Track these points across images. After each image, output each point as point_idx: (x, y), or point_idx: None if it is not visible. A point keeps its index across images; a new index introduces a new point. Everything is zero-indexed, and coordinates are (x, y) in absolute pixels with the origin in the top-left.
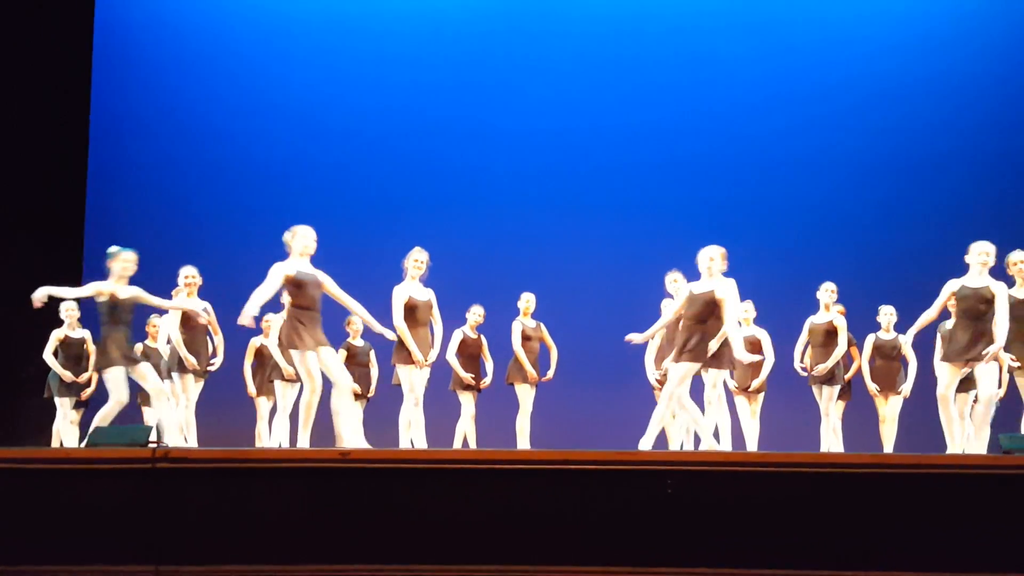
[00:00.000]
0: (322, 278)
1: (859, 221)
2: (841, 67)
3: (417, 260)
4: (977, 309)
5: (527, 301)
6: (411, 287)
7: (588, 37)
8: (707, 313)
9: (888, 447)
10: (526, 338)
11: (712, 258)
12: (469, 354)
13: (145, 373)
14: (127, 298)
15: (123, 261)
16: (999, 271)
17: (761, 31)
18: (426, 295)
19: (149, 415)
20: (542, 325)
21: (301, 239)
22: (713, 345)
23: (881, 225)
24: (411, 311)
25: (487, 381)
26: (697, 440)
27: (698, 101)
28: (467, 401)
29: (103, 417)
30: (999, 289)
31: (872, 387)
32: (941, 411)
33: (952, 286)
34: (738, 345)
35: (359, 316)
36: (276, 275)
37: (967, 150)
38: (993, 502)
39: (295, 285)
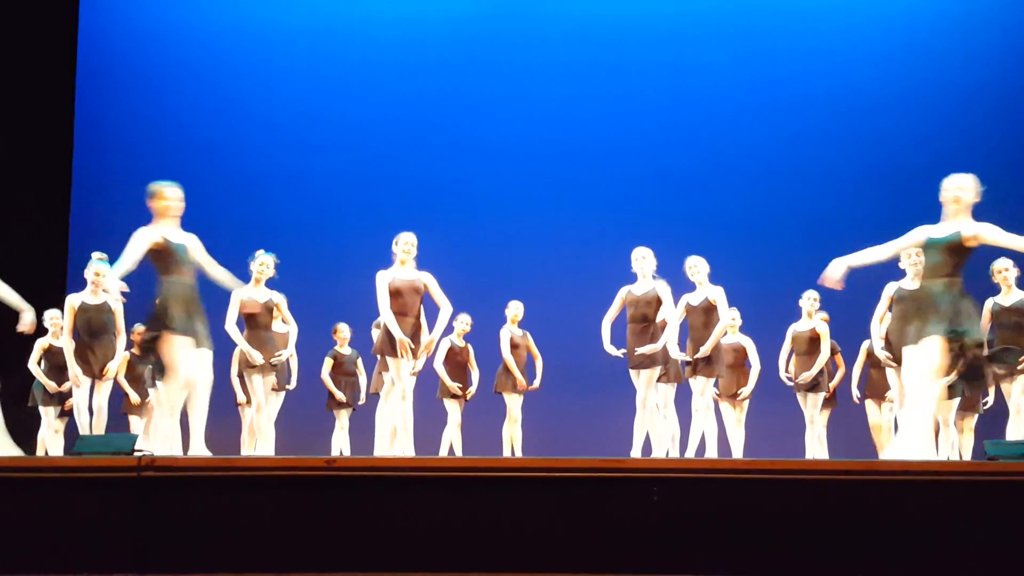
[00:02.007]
0: (426, 280)
1: (844, 230)
2: (826, 78)
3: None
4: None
5: (515, 309)
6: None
7: (574, 47)
8: (709, 321)
9: (883, 454)
10: (514, 346)
11: (693, 266)
12: (456, 363)
13: None
14: None
15: None
16: (982, 278)
17: (746, 42)
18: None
19: (136, 424)
20: (528, 334)
21: (399, 245)
22: (704, 350)
23: (865, 234)
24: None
25: (472, 391)
26: (683, 448)
27: (684, 111)
28: (453, 409)
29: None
30: None
31: (856, 394)
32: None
33: (890, 289)
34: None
35: (443, 322)
36: (381, 283)
37: (951, 160)
38: (979, 508)
39: (392, 293)
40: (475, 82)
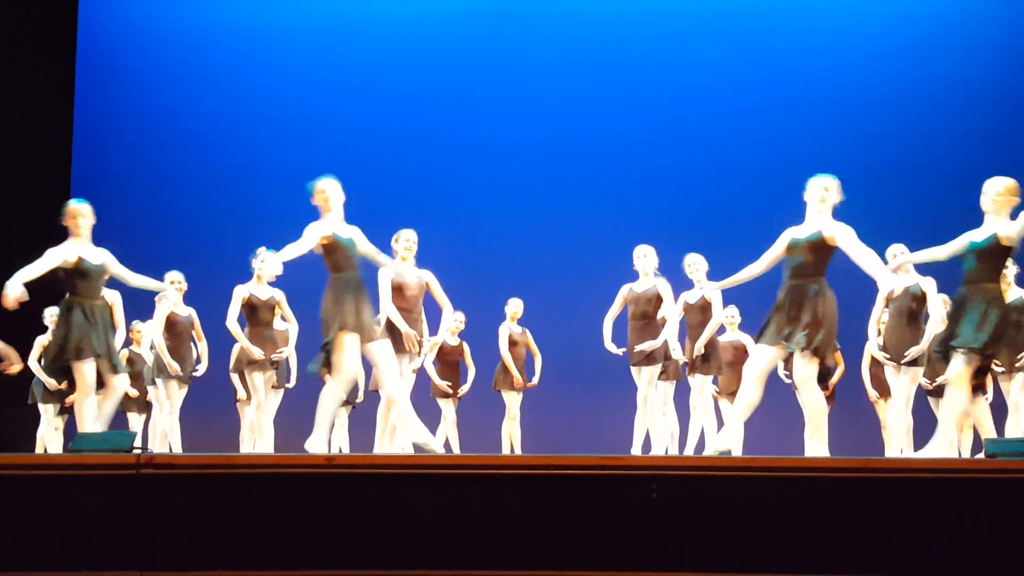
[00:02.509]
0: (428, 278)
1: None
2: (827, 75)
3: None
4: (909, 307)
5: (514, 306)
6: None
7: (573, 44)
8: (706, 319)
9: (890, 451)
10: (512, 343)
11: (691, 264)
12: (449, 361)
13: None
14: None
15: None
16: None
17: (747, 40)
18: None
19: (134, 421)
20: (527, 331)
21: (400, 242)
22: (698, 347)
23: (863, 231)
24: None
25: (465, 389)
26: (682, 445)
27: (685, 109)
28: (447, 408)
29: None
30: (929, 286)
31: (872, 394)
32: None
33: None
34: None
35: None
36: (384, 279)
37: (951, 158)
38: (979, 506)
39: (396, 288)
40: (473, 79)
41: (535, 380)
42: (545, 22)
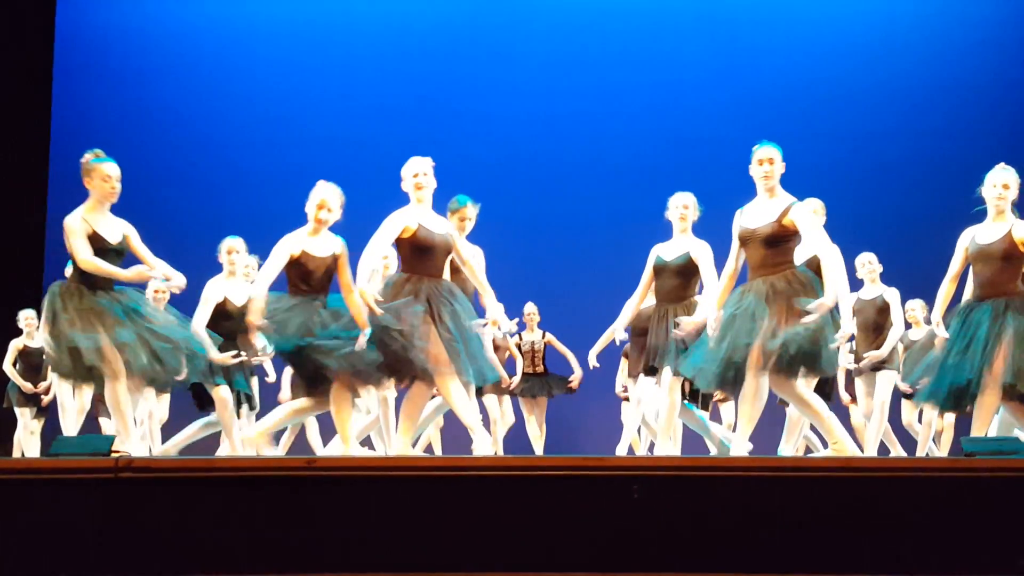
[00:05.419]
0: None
1: (833, 224)
2: (809, 69)
3: None
4: (873, 319)
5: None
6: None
7: (569, 41)
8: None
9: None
10: (495, 347)
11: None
12: None
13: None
14: None
15: None
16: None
17: (743, 36)
18: None
19: (106, 425)
20: (507, 336)
21: None
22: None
23: (847, 231)
24: None
25: None
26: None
27: (683, 108)
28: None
29: None
30: (892, 296)
31: (844, 397)
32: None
33: (851, 298)
34: None
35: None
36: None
37: (935, 154)
38: (956, 504)
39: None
40: (469, 75)
41: (516, 380)
42: (538, 18)
